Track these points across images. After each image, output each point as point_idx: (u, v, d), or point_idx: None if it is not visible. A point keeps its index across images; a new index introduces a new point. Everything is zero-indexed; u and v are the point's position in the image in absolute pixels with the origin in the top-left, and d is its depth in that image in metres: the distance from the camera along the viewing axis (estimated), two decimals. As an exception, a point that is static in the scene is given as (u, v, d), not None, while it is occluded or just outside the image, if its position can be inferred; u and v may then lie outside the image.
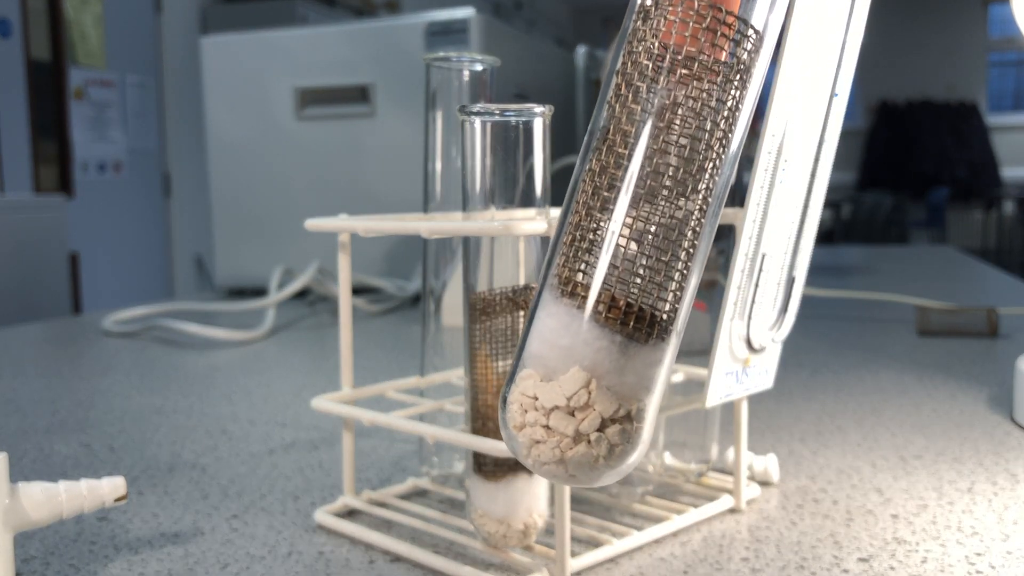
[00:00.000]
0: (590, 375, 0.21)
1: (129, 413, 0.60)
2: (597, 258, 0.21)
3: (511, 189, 0.33)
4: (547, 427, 0.21)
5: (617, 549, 0.35)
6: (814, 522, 0.38)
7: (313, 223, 0.39)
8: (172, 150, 3.36)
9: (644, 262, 0.21)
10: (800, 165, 0.36)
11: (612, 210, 0.21)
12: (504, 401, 0.22)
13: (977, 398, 0.59)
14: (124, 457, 0.50)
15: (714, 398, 0.37)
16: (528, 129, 0.32)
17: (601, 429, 0.21)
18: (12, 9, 2.73)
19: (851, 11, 0.35)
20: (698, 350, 0.42)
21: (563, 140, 1.43)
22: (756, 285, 0.36)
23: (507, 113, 0.32)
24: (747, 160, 0.37)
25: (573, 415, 0.21)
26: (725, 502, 0.40)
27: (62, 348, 0.90)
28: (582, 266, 0.22)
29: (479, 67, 0.41)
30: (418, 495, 0.43)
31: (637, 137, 0.22)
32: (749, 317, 0.37)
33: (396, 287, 1.12)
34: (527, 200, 0.33)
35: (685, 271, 0.22)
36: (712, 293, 0.42)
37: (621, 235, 0.21)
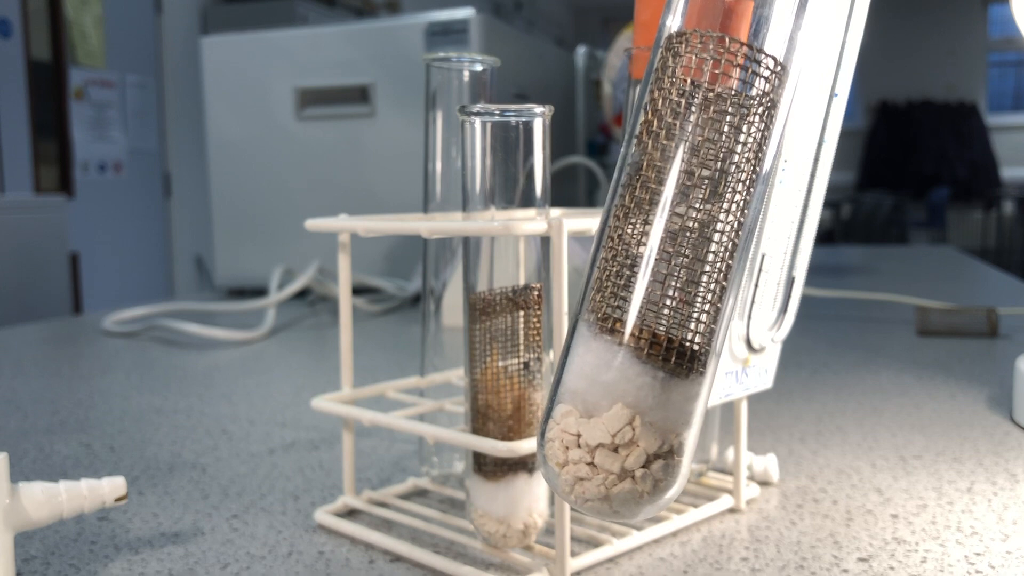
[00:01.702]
0: (634, 411, 0.21)
1: (129, 413, 0.60)
2: (634, 294, 0.21)
3: (511, 189, 0.33)
4: (591, 464, 0.21)
5: (617, 549, 0.35)
6: (814, 522, 0.38)
7: (313, 223, 0.39)
8: (172, 150, 3.36)
9: (681, 297, 0.21)
10: (800, 165, 0.36)
11: (647, 246, 0.22)
12: (543, 437, 0.22)
13: (977, 398, 0.59)
14: (124, 457, 0.50)
15: (714, 398, 0.37)
16: (528, 129, 0.32)
17: (646, 465, 0.21)
18: (12, 9, 2.73)
19: (851, 11, 0.35)
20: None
21: (563, 140, 1.43)
22: (756, 285, 0.36)
23: (507, 113, 0.32)
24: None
25: (617, 452, 0.21)
26: (725, 502, 0.40)
27: (62, 348, 0.90)
28: (620, 303, 0.22)
29: (479, 67, 0.41)
30: (418, 495, 0.43)
31: (670, 172, 0.22)
32: (749, 317, 0.37)
33: (396, 287, 1.12)
34: (527, 200, 0.33)
35: (720, 304, 0.22)
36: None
37: (658, 270, 0.21)
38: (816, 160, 0.36)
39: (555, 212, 0.36)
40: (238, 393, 0.66)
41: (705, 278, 0.22)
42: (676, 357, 0.21)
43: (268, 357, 0.80)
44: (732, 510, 0.40)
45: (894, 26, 6.29)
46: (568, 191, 1.39)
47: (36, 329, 1.01)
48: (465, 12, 1.11)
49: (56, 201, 2.17)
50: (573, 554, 0.34)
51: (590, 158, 1.43)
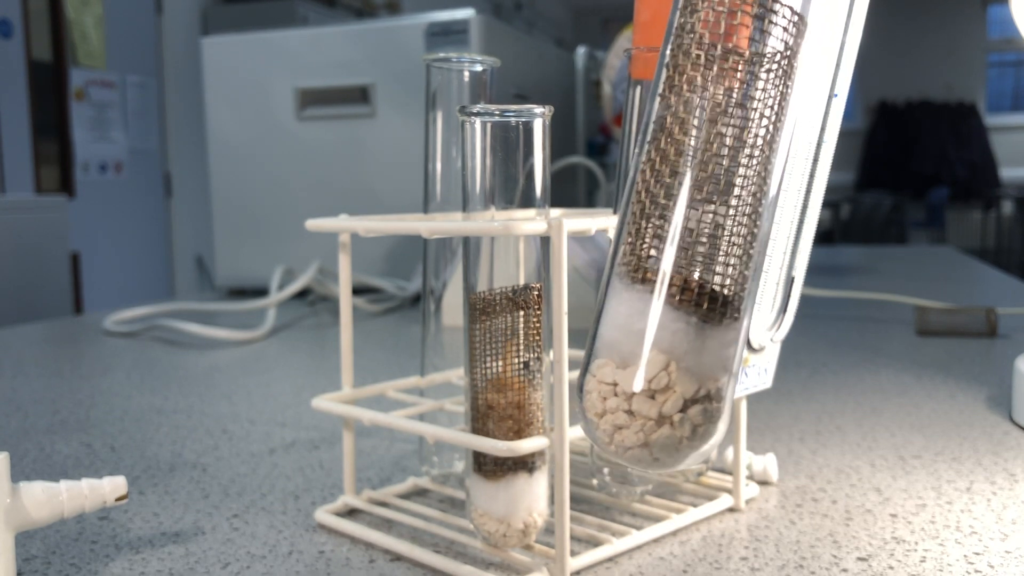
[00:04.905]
0: (669, 357, 0.21)
1: (130, 413, 0.61)
2: (665, 243, 0.22)
3: (511, 189, 0.33)
4: (629, 412, 0.21)
5: (617, 548, 0.35)
6: (813, 521, 0.39)
7: (314, 223, 0.39)
8: (173, 150, 3.36)
9: (712, 244, 0.21)
10: (799, 165, 0.36)
11: (676, 196, 0.22)
12: (581, 391, 0.22)
13: (976, 398, 0.59)
14: (125, 457, 0.50)
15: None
16: (528, 130, 0.32)
17: (683, 410, 0.21)
18: (13, 10, 2.73)
19: (850, 11, 0.35)
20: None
21: (563, 140, 1.43)
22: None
23: (507, 114, 0.32)
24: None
25: (654, 398, 0.21)
26: (724, 501, 0.40)
27: (63, 348, 0.90)
28: (652, 252, 0.22)
29: (479, 68, 0.41)
30: (418, 494, 0.43)
31: (696, 124, 0.22)
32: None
33: (396, 287, 1.13)
34: (527, 200, 0.33)
35: (750, 251, 0.22)
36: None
37: (688, 219, 0.22)
38: (815, 160, 0.37)
39: (555, 212, 0.36)
40: (239, 393, 0.66)
41: (732, 223, 0.22)
42: (708, 303, 0.21)
43: (268, 357, 0.80)
44: (732, 509, 0.40)
45: (893, 26, 6.29)
46: (568, 191, 1.39)
47: (37, 329, 1.01)
48: (465, 13, 1.11)
49: (57, 201, 2.17)
50: (573, 553, 0.34)
51: (590, 158, 1.43)
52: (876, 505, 0.40)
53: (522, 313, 0.33)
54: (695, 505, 0.39)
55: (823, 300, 1.05)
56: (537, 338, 0.33)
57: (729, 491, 0.41)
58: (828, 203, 5.45)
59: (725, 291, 0.22)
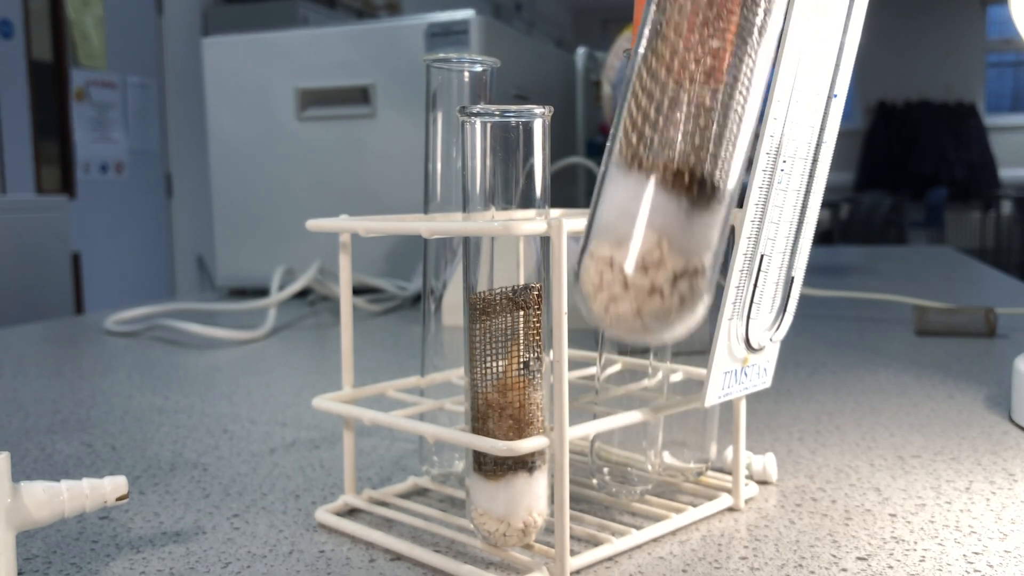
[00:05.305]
0: (660, 235, 0.23)
1: (131, 412, 0.61)
2: (658, 132, 0.24)
3: (511, 190, 0.33)
4: (624, 285, 0.23)
5: (616, 548, 0.35)
6: (812, 521, 0.39)
7: (314, 223, 0.39)
8: (173, 151, 3.36)
9: (702, 133, 0.23)
10: (798, 166, 0.36)
11: (668, 87, 0.24)
12: (578, 273, 0.24)
13: (975, 398, 0.59)
14: (126, 456, 0.51)
15: (713, 397, 0.37)
16: (528, 130, 0.33)
17: (673, 283, 0.23)
18: (14, 10, 2.73)
19: (849, 11, 0.35)
20: (697, 350, 0.42)
21: (563, 141, 1.43)
22: (755, 285, 0.36)
23: (507, 114, 0.32)
24: (746, 161, 0.37)
25: (647, 272, 0.23)
26: (724, 501, 0.40)
27: (64, 348, 0.90)
28: (646, 141, 0.24)
29: (479, 68, 0.41)
30: (418, 494, 0.43)
31: (689, 17, 0.24)
32: (748, 317, 0.37)
33: (396, 287, 1.13)
34: (527, 201, 0.33)
35: (734, 143, 0.24)
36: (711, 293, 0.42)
37: (680, 111, 0.23)
38: (814, 160, 0.37)
39: (555, 212, 0.36)
40: (239, 393, 0.66)
41: (723, 118, 0.24)
42: (698, 187, 0.23)
43: (269, 357, 0.80)
44: (731, 509, 0.40)
45: (893, 26, 6.29)
46: (568, 191, 1.39)
47: (38, 329, 1.01)
48: (465, 13, 1.12)
49: (58, 201, 2.17)
50: (573, 553, 0.34)
51: (590, 158, 1.43)
52: (875, 505, 0.40)
53: (522, 313, 0.33)
54: (695, 505, 0.39)
55: (822, 300, 1.05)
56: (537, 338, 0.33)
57: (729, 491, 0.41)
58: (827, 203, 5.45)
59: (711, 177, 0.24)
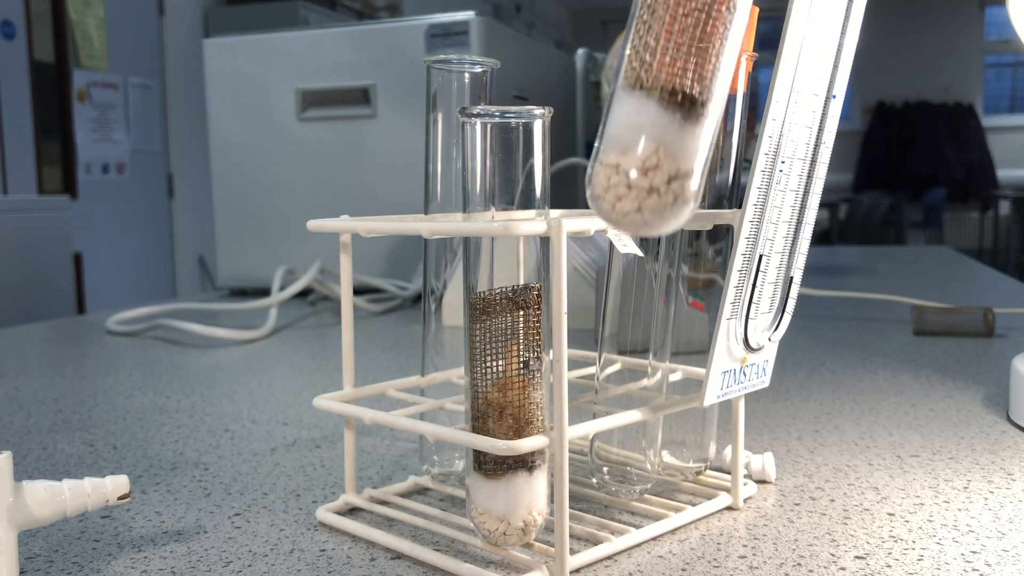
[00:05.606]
0: (658, 143, 0.27)
1: (132, 412, 0.61)
2: (656, 59, 0.28)
3: (511, 190, 0.33)
4: (628, 186, 0.28)
5: (616, 547, 0.35)
6: (811, 520, 0.39)
7: (315, 224, 0.39)
8: (175, 151, 3.37)
9: (695, 56, 0.28)
10: (796, 166, 0.36)
11: (667, 15, 0.28)
12: (589, 177, 0.29)
13: (973, 397, 0.60)
14: (127, 456, 0.51)
15: (712, 397, 0.37)
16: (528, 131, 0.33)
17: (668, 183, 0.27)
18: (16, 11, 2.73)
19: (848, 12, 0.35)
20: (696, 349, 0.42)
21: (563, 141, 1.43)
22: (753, 285, 0.36)
23: (507, 115, 0.32)
24: (745, 162, 0.38)
25: (647, 175, 0.27)
26: (723, 500, 0.40)
27: (66, 348, 0.90)
28: (647, 65, 0.28)
29: (479, 69, 0.42)
30: (419, 493, 0.43)
31: None
32: (746, 317, 0.37)
33: (397, 287, 1.13)
34: (527, 201, 0.33)
35: (719, 65, 0.28)
36: (710, 293, 0.43)
37: (678, 39, 0.28)
38: (813, 161, 0.37)
39: (555, 213, 0.37)
40: (240, 392, 0.66)
41: (710, 44, 0.28)
42: (689, 103, 0.28)
43: (270, 356, 0.80)
44: (730, 508, 0.40)
45: (891, 27, 6.29)
46: (568, 191, 1.39)
47: (40, 329, 1.01)
48: (465, 14, 1.12)
49: (59, 202, 2.17)
50: (572, 552, 0.34)
51: (590, 159, 1.43)
52: (874, 504, 0.41)
53: (522, 313, 0.33)
54: (694, 504, 0.40)
55: (821, 300, 1.05)
56: (537, 338, 0.33)
57: (727, 490, 0.41)
58: (826, 203, 5.45)
59: (700, 95, 0.28)
